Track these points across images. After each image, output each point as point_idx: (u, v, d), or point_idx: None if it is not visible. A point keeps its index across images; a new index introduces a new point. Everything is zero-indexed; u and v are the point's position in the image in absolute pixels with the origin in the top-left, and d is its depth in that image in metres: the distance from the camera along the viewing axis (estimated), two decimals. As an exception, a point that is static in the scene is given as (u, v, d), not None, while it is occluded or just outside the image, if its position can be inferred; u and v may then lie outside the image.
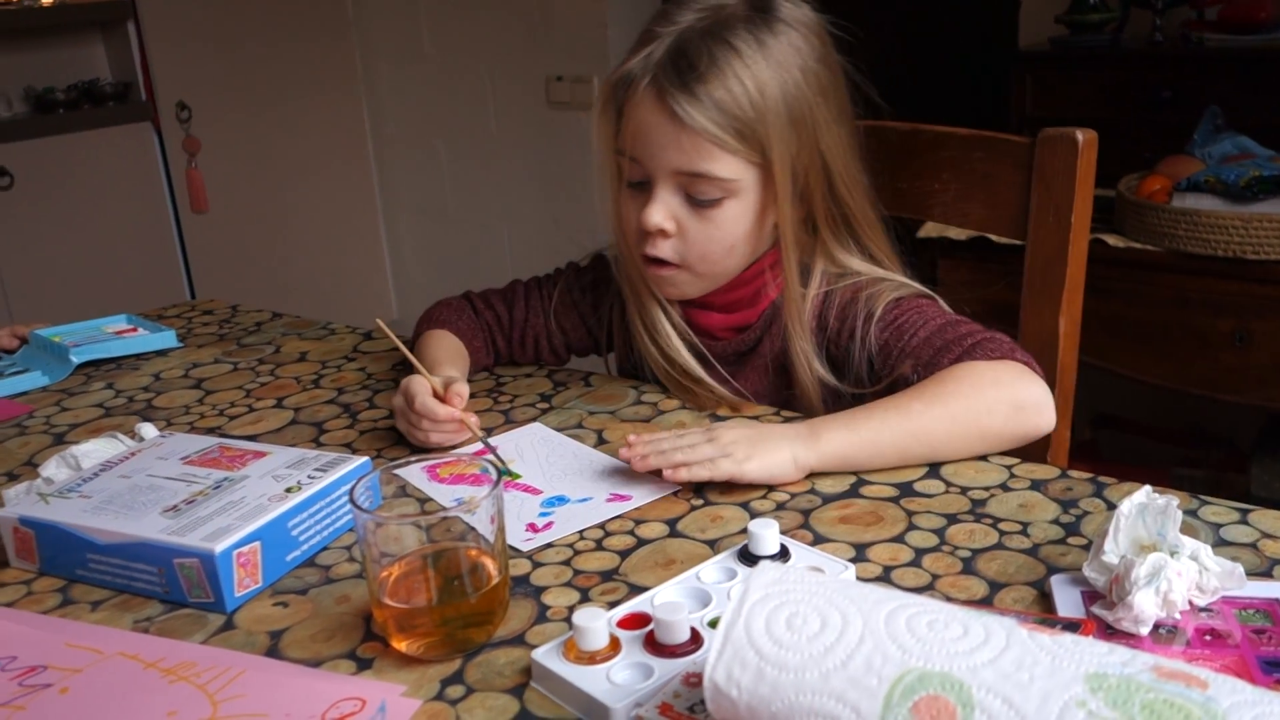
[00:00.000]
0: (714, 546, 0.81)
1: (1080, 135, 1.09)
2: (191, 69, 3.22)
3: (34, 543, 0.82)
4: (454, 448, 1.00)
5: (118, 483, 0.86)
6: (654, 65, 0.97)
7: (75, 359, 1.28)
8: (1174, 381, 1.84)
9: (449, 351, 1.11)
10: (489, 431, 1.04)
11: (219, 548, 0.75)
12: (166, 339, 1.35)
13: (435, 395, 0.97)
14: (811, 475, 0.90)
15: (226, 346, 1.35)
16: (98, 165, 3.05)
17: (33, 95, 3.03)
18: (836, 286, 1.04)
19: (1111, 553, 0.68)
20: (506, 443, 1.01)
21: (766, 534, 0.74)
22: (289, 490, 0.83)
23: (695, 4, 1.00)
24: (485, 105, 3.44)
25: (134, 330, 1.38)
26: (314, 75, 3.54)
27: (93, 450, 0.93)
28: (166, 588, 0.77)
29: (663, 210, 1.00)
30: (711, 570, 0.74)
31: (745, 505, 0.87)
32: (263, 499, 0.82)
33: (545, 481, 0.93)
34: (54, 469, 0.92)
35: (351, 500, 0.68)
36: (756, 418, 1.03)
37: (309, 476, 0.85)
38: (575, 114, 3.15)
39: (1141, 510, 0.67)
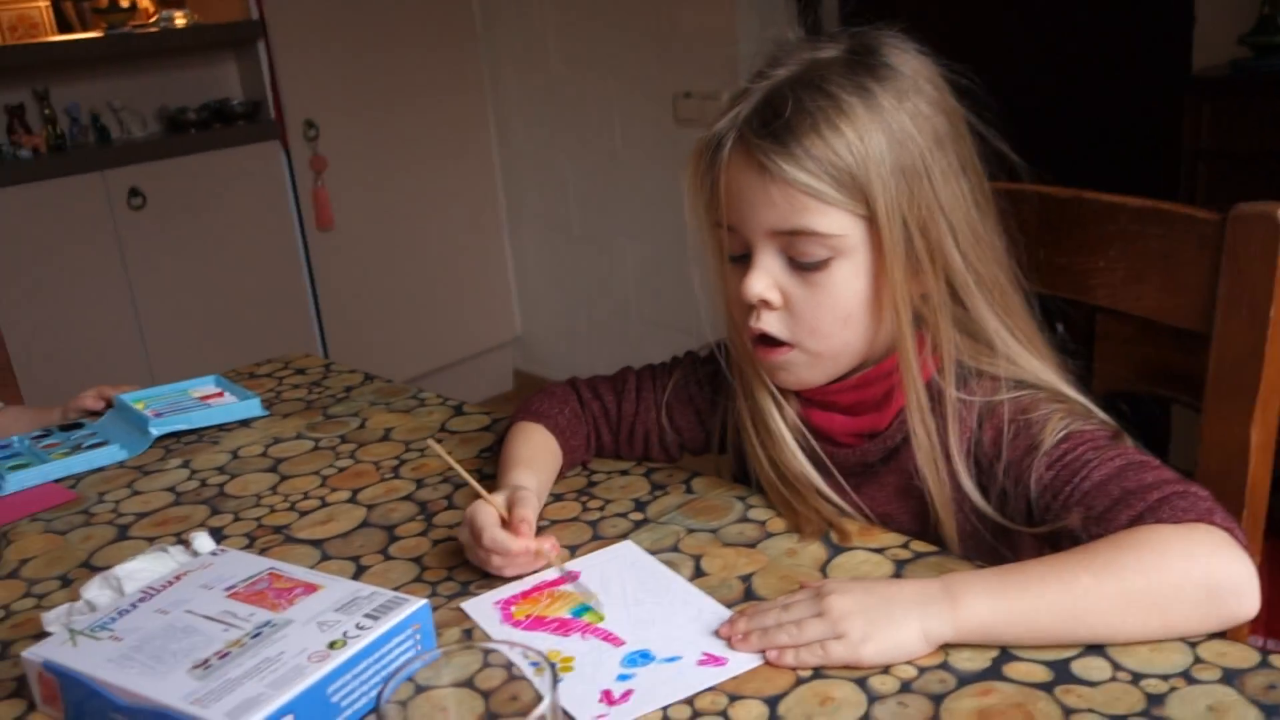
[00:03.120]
0: (822, 745, 0.67)
1: (1284, 214, 0.91)
2: (319, 87, 3.21)
3: (58, 690, 0.74)
4: (534, 572, 0.89)
5: (153, 620, 0.77)
6: (741, 121, 0.87)
7: (155, 431, 1.22)
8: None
9: (535, 451, 1.00)
10: (573, 550, 0.92)
11: (242, 728, 0.65)
12: (251, 408, 1.28)
13: (503, 521, 0.86)
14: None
15: (311, 418, 1.27)
16: (228, 184, 3.07)
17: (166, 115, 3.07)
18: (992, 400, 0.88)
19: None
20: (591, 568, 0.89)
21: (885, 754, 0.60)
22: (333, 645, 0.73)
23: (791, 59, 0.89)
24: (611, 122, 3.34)
25: (220, 395, 1.32)
26: (440, 92, 3.50)
27: (137, 570, 0.85)
28: (189, 763, 0.68)
29: (764, 278, 0.88)
30: (815, 795, 0.61)
31: (862, 683, 0.72)
32: (302, 656, 0.71)
33: (630, 627, 0.81)
34: (95, 591, 0.84)
35: (378, 711, 0.56)
36: (880, 550, 0.89)
37: (357, 627, 0.74)
38: (704, 131, 3.02)
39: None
